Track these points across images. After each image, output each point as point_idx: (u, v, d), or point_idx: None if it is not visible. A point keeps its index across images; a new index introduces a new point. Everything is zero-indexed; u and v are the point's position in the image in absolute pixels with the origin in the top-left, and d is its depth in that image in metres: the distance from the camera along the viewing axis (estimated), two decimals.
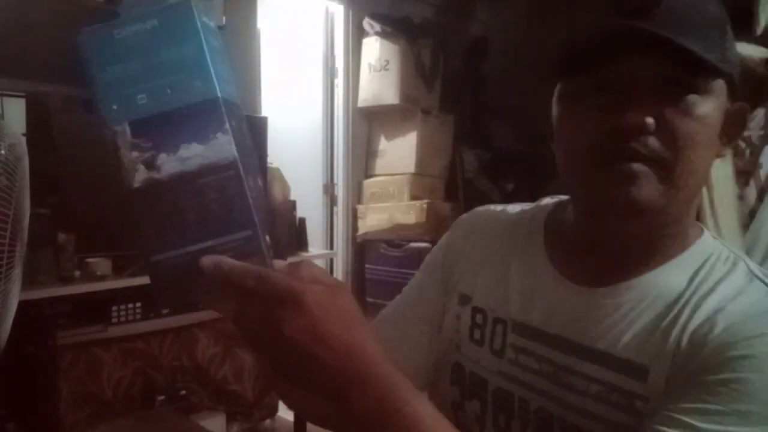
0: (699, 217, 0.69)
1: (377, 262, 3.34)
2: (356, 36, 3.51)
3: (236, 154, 0.45)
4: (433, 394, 0.79)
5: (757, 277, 0.61)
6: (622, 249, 0.64)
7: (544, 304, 0.68)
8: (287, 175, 3.06)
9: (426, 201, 3.29)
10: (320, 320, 0.43)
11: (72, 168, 2.09)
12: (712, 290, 0.60)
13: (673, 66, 0.56)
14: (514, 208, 0.80)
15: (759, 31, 1.99)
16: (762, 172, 2.07)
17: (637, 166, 0.57)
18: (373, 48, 3.43)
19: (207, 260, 0.44)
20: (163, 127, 0.45)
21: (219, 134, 0.45)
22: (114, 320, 2.14)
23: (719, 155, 0.64)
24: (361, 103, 3.51)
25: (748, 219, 2.07)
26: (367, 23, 3.45)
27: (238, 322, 0.45)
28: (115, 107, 0.45)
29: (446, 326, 0.77)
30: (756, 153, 2.09)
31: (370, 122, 3.60)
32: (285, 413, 2.79)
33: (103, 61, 0.45)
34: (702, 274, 0.62)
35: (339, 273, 3.59)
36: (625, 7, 0.57)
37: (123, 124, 0.45)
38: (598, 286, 0.65)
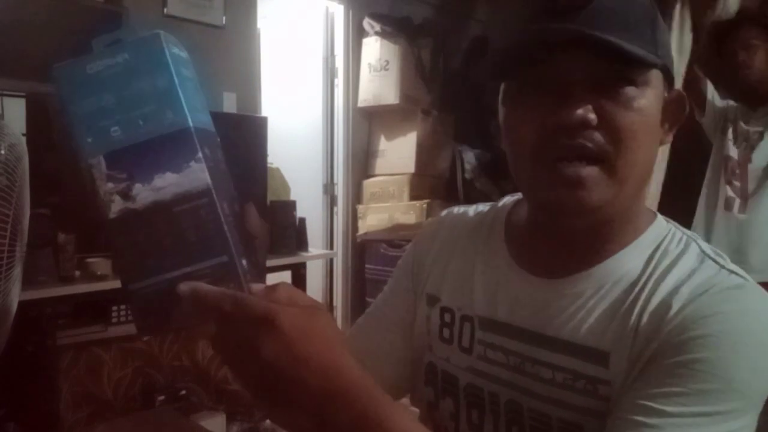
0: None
1: (377, 262, 3.34)
2: (356, 36, 3.51)
3: (210, 181, 0.46)
4: (414, 397, 0.80)
5: (708, 256, 0.62)
6: (575, 241, 0.66)
7: (507, 299, 0.70)
8: (287, 175, 3.06)
9: (426, 201, 3.29)
10: (297, 341, 0.44)
11: (72, 168, 2.09)
12: (667, 272, 0.62)
13: (606, 61, 0.57)
14: (478, 207, 0.82)
15: None
16: (750, 167, 2.09)
17: (586, 171, 0.59)
18: (373, 48, 3.43)
19: (184, 287, 0.45)
20: (137, 158, 0.46)
21: (192, 163, 0.45)
22: (114, 320, 2.13)
23: (663, 142, 0.66)
24: (361, 103, 3.51)
25: (742, 208, 2.10)
26: (367, 23, 3.45)
27: (217, 345, 0.46)
28: (89, 140, 0.46)
29: (418, 328, 0.78)
30: (749, 148, 2.11)
31: (370, 122, 3.60)
32: None
33: (76, 96, 0.47)
34: (657, 257, 0.64)
35: (339, 273, 3.59)
36: (555, 8, 0.59)
37: (98, 157, 0.46)
38: (558, 278, 0.66)
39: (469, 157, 3.52)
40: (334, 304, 3.66)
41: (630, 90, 0.59)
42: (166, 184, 0.45)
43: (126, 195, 0.46)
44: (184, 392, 2.38)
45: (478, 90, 3.61)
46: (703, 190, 2.26)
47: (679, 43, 2.20)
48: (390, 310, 0.81)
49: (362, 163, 3.59)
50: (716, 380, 0.54)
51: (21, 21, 2.20)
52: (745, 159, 2.10)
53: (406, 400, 0.91)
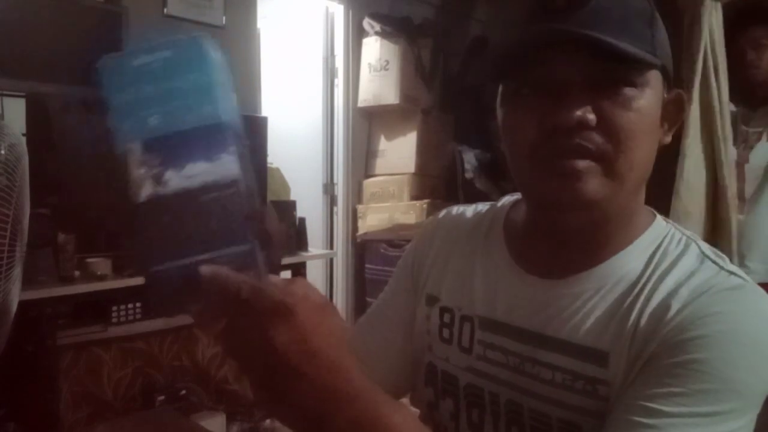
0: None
1: (377, 262, 3.34)
2: (356, 36, 3.51)
3: (239, 172, 0.48)
4: (414, 397, 0.80)
5: (708, 257, 0.62)
6: (574, 240, 0.66)
7: (507, 299, 0.70)
8: (287, 175, 3.06)
9: (426, 201, 3.29)
10: (310, 335, 0.45)
11: (72, 168, 2.09)
12: (666, 273, 0.62)
13: (603, 62, 0.57)
14: (477, 207, 0.82)
15: None
16: (748, 168, 2.09)
17: (582, 163, 0.59)
18: (373, 48, 3.43)
19: (206, 269, 0.46)
20: (172, 146, 0.48)
21: (224, 155, 0.48)
22: (114, 320, 2.14)
23: (662, 143, 0.66)
24: (361, 103, 3.51)
25: (740, 209, 2.10)
26: (367, 23, 3.45)
27: (227, 334, 0.46)
28: (128, 127, 0.48)
29: (417, 328, 0.78)
30: (747, 149, 2.11)
31: (370, 122, 3.61)
32: None
33: (119, 85, 0.49)
34: (656, 258, 0.64)
35: (339, 273, 3.59)
36: (552, 7, 0.59)
37: (135, 142, 0.48)
38: (557, 278, 0.67)
39: (469, 157, 3.52)
40: (334, 304, 3.66)
41: (629, 90, 0.59)
42: (198, 172, 0.47)
43: (158, 180, 0.47)
44: (184, 392, 2.38)
45: (478, 90, 3.61)
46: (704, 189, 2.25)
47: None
48: (390, 310, 0.82)
49: (362, 163, 3.59)
50: (715, 380, 0.54)
51: (21, 21, 2.20)
52: (743, 160, 2.10)
53: (405, 400, 0.92)
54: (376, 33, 3.41)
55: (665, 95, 0.64)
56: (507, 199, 0.79)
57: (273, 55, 3.70)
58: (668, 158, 2.31)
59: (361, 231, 3.48)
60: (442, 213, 0.84)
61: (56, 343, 1.99)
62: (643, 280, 0.62)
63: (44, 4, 2.25)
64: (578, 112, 0.57)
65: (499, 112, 0.67)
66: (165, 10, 2.65)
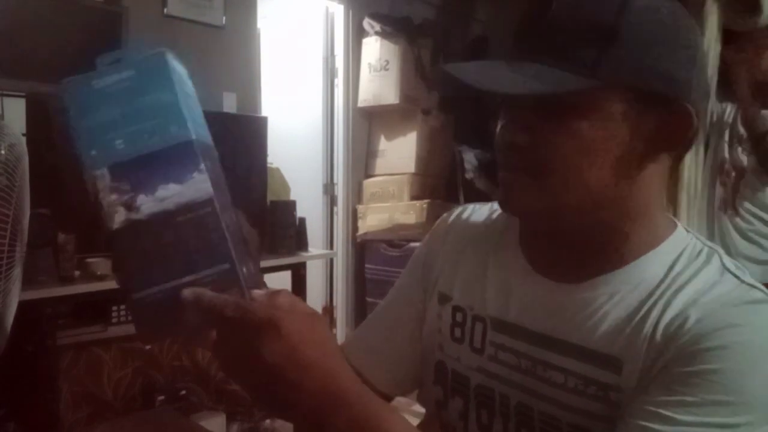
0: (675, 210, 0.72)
1: (377, 262, 3.35)
2: (356, 36, 3.51)
3: (212, 191, 0.47)
4: (421, 395, 0.80)
5: (728, 270, 0.62)
6: (575, 247, 0.67)
7: (520, 301, 0.70)
8: (287, 175, 3.06)
9: (426, 201, 3.29)
10: (299, 346, 0.46)
11: (72, 168, 2.09)
12: (686, 283, 0.61)
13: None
14: (493, 206, 0.81)
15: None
16: (727, 167, 2.10)
17: (513, 175, 0.63)
18: (373, 48, 3.43)
19: (188, 292, 0.46)
20: (141, 169, 0.47)
21: (195, 174, 0.47)
22: (114, 320, 2.13)
23: (653, 161, 0.62)
24: (361, 103, 3.51)
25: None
26: (367, 23, 3.45)
27: (218, 352, 0.47)
28: (94, 152, 0.47)
29: (428, 326, 0.78)
30: (744, 151, 2.12)
31: (370, 122, 3.61)
32: None
33: (82, 110, 0.48)
34: (677, 268, 0.63)
35: (339, 273, 3.59)
36: (521, 27, 0.63)
37: (102, 169, 0.47)
38: (571, 282, 0.66)
39: (469, 157, 3.52)
40: (334, 304, 3.66)
41: (568, 113, 0.59)
42: (170, 194, 0.46)
43: (130, 206, 0.46)
44: (184, 392, 2.38)
45: (477, 90, 3.60)
46: (702, 192, 2.25)
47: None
48: (400, 306, 0.82)
49: (362, 163, 3.59)
50: (729, 392, 0.54)
51: (21, 21, 2.20)
52: (742, 162, 2.09)
53: (405, 400, 0.92)
54: (376, 33, 3.41)
55: (648, 113, 0.60)
56: None
57: (273, 55, 3.70)
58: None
59: (361, 231, 3.48)
60: (457, 211, 0.84)
61: (56, 343, 1.99)
62: (661, 288, 0.62)
63: (44, 4, 2.25)
64: (508, 136, 0.63)
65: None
66: (165, 10, 2.65)
